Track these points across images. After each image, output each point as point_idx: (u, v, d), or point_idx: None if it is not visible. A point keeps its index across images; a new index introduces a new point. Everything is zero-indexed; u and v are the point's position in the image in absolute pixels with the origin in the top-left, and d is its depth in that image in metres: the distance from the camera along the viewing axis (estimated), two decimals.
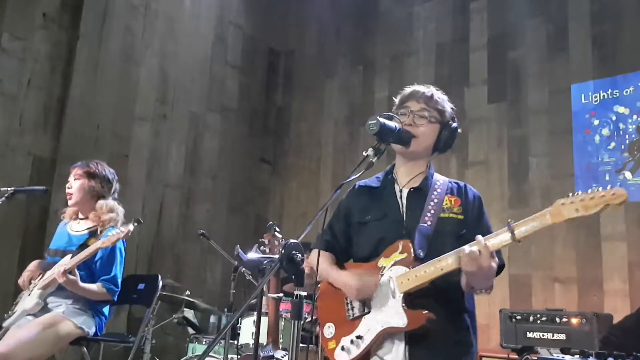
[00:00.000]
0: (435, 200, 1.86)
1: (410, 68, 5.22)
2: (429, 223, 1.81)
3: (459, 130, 1.97)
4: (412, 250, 1.75)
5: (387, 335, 1.75)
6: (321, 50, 5.96)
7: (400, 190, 1.94)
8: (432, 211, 1.84)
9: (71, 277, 2.75)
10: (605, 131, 4.08)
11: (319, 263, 1.85)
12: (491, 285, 1.70)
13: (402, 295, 1.72)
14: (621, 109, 4.05)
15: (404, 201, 1.91)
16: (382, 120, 1.76)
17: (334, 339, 1.83)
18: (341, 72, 5.75)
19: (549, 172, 4.24)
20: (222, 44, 5.59)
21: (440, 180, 1.95)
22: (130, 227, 2.79)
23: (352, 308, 1.83)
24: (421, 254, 1.75)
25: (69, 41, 4.40)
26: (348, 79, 5.67)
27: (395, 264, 1.77)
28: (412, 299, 1.73)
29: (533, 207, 4.21)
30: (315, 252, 1.91)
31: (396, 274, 1.75)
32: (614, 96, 4.08)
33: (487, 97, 4.68)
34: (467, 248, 1.63)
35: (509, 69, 4.61)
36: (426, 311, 1.69)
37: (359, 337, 1.77)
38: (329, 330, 1.86)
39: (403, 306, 1.71)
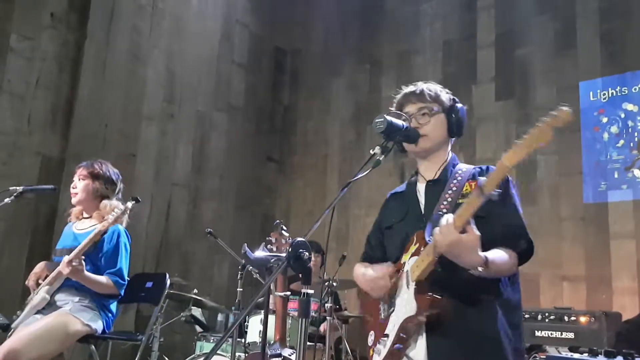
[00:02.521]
0: (454, 189, 1.81)
1: (417, 66, 5.21)
2: (444, 210, 1.75)
3: (465, 107, 1.95)
4: (422, 238, 1.71)
5: (412, 328, 1.69)
6: (327, 49, 5.96)
7: (422, 186, 1.93)
8: (450, 199, 1.78)
9: (76, 265, 2.75)
10: (614, 129, 4.05)
11: (356, 274, 1.93)
12: (478, 261, 1.54)
13: (414, 283, 1.68)
14: (630, 107, 4.02)
15: (423, 195, 1.90)
16: (389, 118, 1.75)
17: (373, 346, 1.82)
18: (348, 71, 5.74)
19: (557, 170, 4.22)
20: (228, 43, 5.60)
21: (463, 168, 1.89)
22: (129, 204, 2.83)
23: (383, 310, 1.83)
24: (431, 241, 1.66)
25: (76, 41, 4.42)
26: (354, 78, 5.67)
27: (411, 256, 1.74)
28: (431, 288, 1.65)
29: (542, 206, 4.19)
30: (357, 265, 2.00)
31: (409, 266, 1.73)
32: (623, 93, 4.05)
33: (494, 94, 4.67)
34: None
35: (517, 66, 4.59)
36: (430, 294, 1.63)
37: (385, 336, 1.75)
38: (370, 339, 1.86)
39: (415, 293, 1.67)
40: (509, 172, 1.47)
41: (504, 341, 1.68)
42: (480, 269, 1.55)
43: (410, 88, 1.94)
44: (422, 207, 1.87)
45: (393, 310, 1.77)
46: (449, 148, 1.96)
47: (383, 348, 1.73)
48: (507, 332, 1.70)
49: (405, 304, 1.70)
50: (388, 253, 1.96)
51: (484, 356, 1.68)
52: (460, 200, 1.75)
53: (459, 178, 1.84)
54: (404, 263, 1.77)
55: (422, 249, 1.69)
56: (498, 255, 1.63)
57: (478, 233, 1.53)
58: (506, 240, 1.70)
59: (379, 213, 2.09)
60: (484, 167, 1.87)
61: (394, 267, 1.80)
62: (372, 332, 1.86)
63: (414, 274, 1.68)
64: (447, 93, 1.95)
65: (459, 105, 1.93)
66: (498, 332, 1.68)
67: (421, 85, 1.93)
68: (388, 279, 1.78)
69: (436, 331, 1.66)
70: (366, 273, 1.87)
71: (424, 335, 1.68)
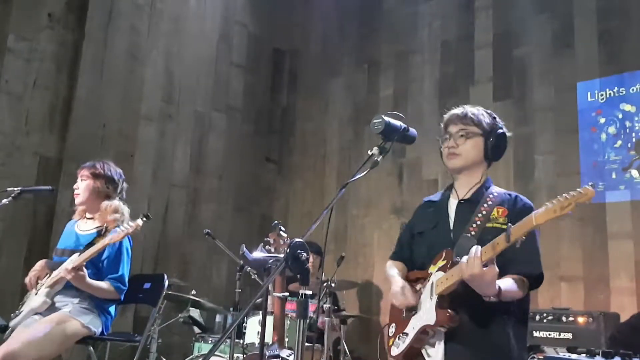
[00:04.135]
0: (484, 212, 1.97)
1: (416, 66, 5.21)
2: (472, 233, 1.92)
3: (509, 134, 2.10)
4: (451, 257, 1.88)
5: (430, 332, 1.90)
6: (326, 49, 5.96)
7: (454, 202, 2.10)
8: (479, 222, 1.95)
9: (79, 273, 2.76)
10: (612, 129, 4.06)
11: (387, 272, 2.16)
12: (493, 292, 1.74)
13: (436, 296, 1.86)
14: (627, 107, 4.02)
15: (454, 212, 2.05)
16: (387, 118, 1.77)
17: (393, 337, 2.04)
18: (346, 71, 5.74)
19: (555, 170, 4.23)
20: (227, 43, 5.60)
21: (495, 192, 2.05)
22: (139, 222, 2.78)
23: (406, 310, 2.00)
24: (459, 261, 1.82)
25: (74, 41, 4.41)
26: (353, 78, 5.67)
27: (438, 270, 1.91)
28: (452, 301, 1.84)
29: (539, 206, 4.19)
30: (388, 262, 2.25)
31: (436, 279, 1.90)
32: (621, 94, 4.06)
33: (492, 95, 4.67)
34: (463, 259, 1.74)
35: (515, 66, 4.60)
36: (450, 311, 1.82)
37: (405, 334, 1.96)
38: (391, 330, 2.08)
39: (436, 306, 1.86)
40: (534, 227, 1.67)
41: (513, 352, 1.90)
42: (492, 298, 1.75)
43: (456, 110, 2.10)
44: (452, 223, 2.03)
45: (415, 313, 1.96)
46: (485, 170, 2.10)
47: (402, 343, 1.96)
48: (514, 345, 1.90)
49: (427, 312, 1.89)
50: (415, 256, 2.16)
51: None
52: (488, 225, 1.94)
53: (490, 202, 2.00)
54: (431, 273, 1.95)
55: (448, 266, 1.87)
56: (509, 285, 1.82)
57: (497, 270, 1.71)
58: (522, 268, 1.88)
59: (413, 215, 2.27)
60: (512, 194, 2.07)
61: (413, 298, 1.96)
62: (393, 324, 2.07)
63: (438, 288, 1.87)
64: (491, 117, 2.09)
65: (500, 130, 2.07)
66: (507, 344, 1.90)
67: (467, 109, 2.09)
68: (404, 303, 1.97)
69: (454, 338, 1.87)
70: (393, 282, 2.06)
71: (443, 340, 1.87)
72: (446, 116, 2.13)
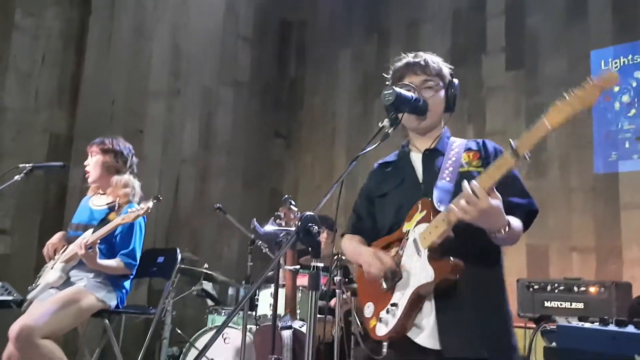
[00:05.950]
0: (453, 159, 1.79)
1: (426, 36, 5.13)
2: (448, 179, 1.73)
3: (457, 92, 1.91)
4: (431, 206, 1.68)
5: (420, 298, 1.66)
6: (334, 20, 5.87)
7: (417, 155, 1.89)
8: (451, 168, 1.76)
9: (90, 252, 2.80)
10: (626, 98, 3.99)
11: (347, 247, 1.95)
12: (504, 223, 1.54)
13: (426, 250, 1.64)
14: None
15: (420, 164, 1.85)
16: (398, 90, 1.72)
17: (373, 316, 1.76)
18: (355, 42, 5.66)
19: (567, 140, 4.17)
20: (233, 15, 5.53)
21: (457, 141, 1.88)
22: (150, 204, 2.83)
23: (385, 280, 1.75)
24: (441, 208, 1.64)
25: (81, 17, 4.38)
26: (362, 49, 5.59)
27: (417, 224, 1.70)
28: (445, 254, 1.62)
29: (552, 177, 4.16)
30: (345, 237, 1.99)
31: (419, 232, 1.68)
32: (635, 62, 3.98)
33: (504, 65, 4.59)
34: (455, 201, 1.54)
35: (527, 36, 4.51)
36: (452, 259, 1.59)
37: (393, 305, 1.69)
38: (368, 310, 1.80)
39: (429, 260, 1.63)
40: (549, 134, 1.41)
41: (509, 311, 1.73)
42: (503, 231, 1.55)
43: (414, 58, 1.87)
44: (420, 175, 1.83)
45: (398, 279, 1.71)
46: (443, 122, 1.92)
47: (392, 318, 1.68)
48: (508, 302, 1.74)
49: (419, 272, 1.65)
50: (379, 222, 1.91)
51: (493, 326, 1.68)
52: (461, 169, 1.76)
53: (456, 149, 1.83)
54: (407, 231, 1.73)
55: (431, 215, 1.65)
56: (514, 219, 1.62)
57: (499, 195, 1.52)
58: (525, 207, 1.71)
59: (367, 182, 2.03)
60: (480, 140, 1.87)
61: (392, 261, 1.73)
62: (369, 303, 1.80)
63: (426, 241, 1.64)
64: (446, 67, 1.90)
65: (456, 80, 1.89)
66: (504, 301, 1.73)
67: (425, 56, 1.87)
68: (382, 268, 1.73)
69: (445, 299, 1.64)
70: (360, 253, 1.84)
71: (433, 302, 1.66)
72: (399, 64, 1.89)
